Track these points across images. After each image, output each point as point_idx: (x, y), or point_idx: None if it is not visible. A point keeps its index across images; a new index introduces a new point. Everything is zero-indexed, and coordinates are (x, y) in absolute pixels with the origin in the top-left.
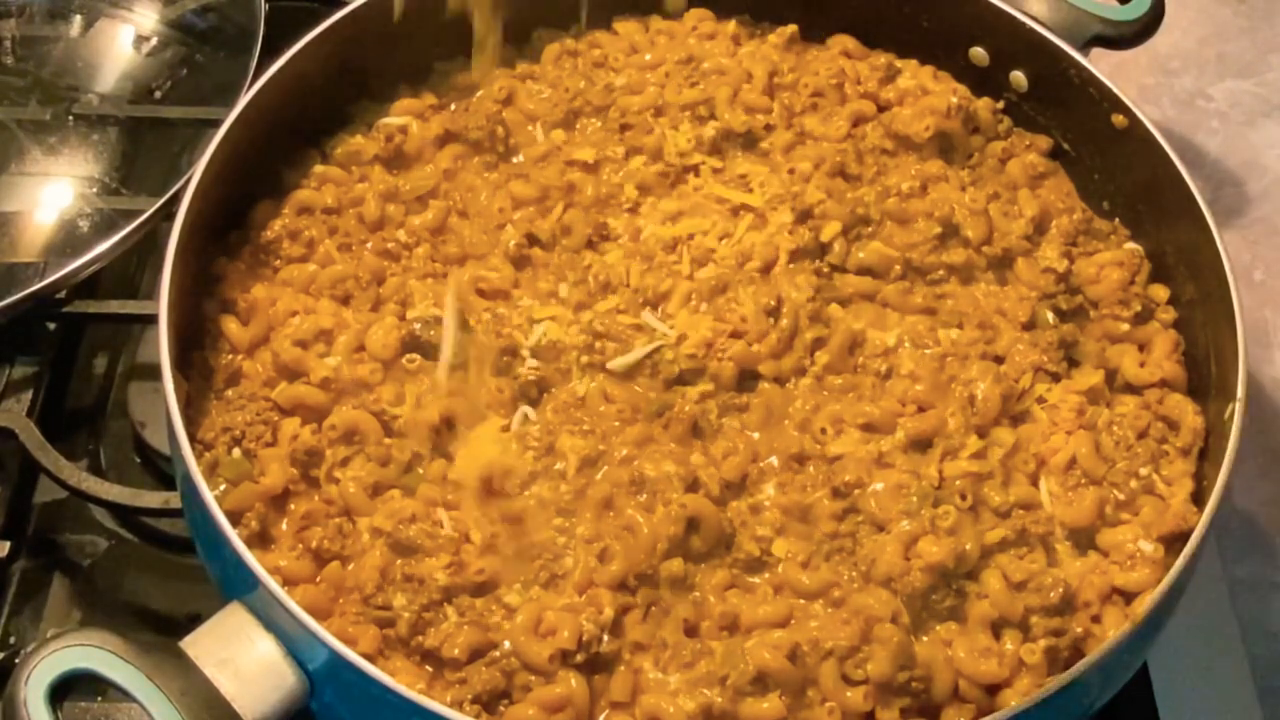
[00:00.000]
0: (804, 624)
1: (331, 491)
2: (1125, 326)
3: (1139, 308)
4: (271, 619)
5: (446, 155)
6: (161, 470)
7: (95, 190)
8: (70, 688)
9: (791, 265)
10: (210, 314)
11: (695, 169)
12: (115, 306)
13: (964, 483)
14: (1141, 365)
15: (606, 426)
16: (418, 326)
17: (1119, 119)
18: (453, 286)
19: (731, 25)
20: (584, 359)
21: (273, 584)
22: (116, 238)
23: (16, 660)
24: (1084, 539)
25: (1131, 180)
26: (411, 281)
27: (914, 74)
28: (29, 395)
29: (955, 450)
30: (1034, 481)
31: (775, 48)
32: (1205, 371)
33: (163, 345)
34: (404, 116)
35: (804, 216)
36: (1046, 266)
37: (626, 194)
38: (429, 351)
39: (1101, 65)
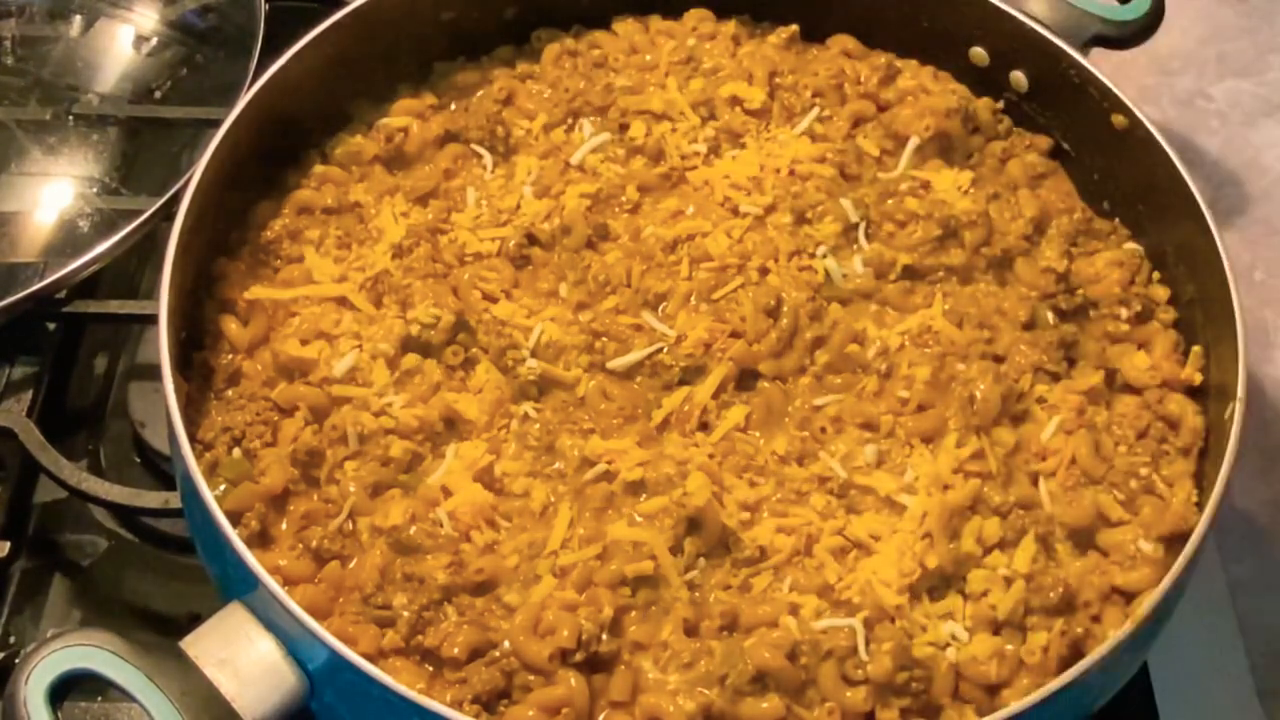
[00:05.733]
0: (804, 623)
1: (331, 491)
2: (1125, 326)
3: (1139, 308)
4: (271, 619)
5: (446, 155)
6: (161, 470)
7: (95, 190)
8: (70, 688)
9: (791, 265)
10: (210, 314)
11: (695, 169)
12: (115, 306)
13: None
14: (1151, 367)
15: (606, 425)
16: (417, 327)
17: (1119, 119)
18: None
19: (731, 25)
20: (584, 358)
21: (273, 584)
22: (116, 238)
23: (16, 660)
24: (1084, 539)
25: (1131, 180)
26: (412, 281)
27: (914, 74)
28: (29, 395)
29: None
30: (1034, 481)
31: (775, 48)
32: (1205, 371)
33: (163, 345)
34: (404, 116)
35: (803, 216)
36: (1046, 266)
37: (627, 194)
38: (429, 351)
39: (1101, 65)
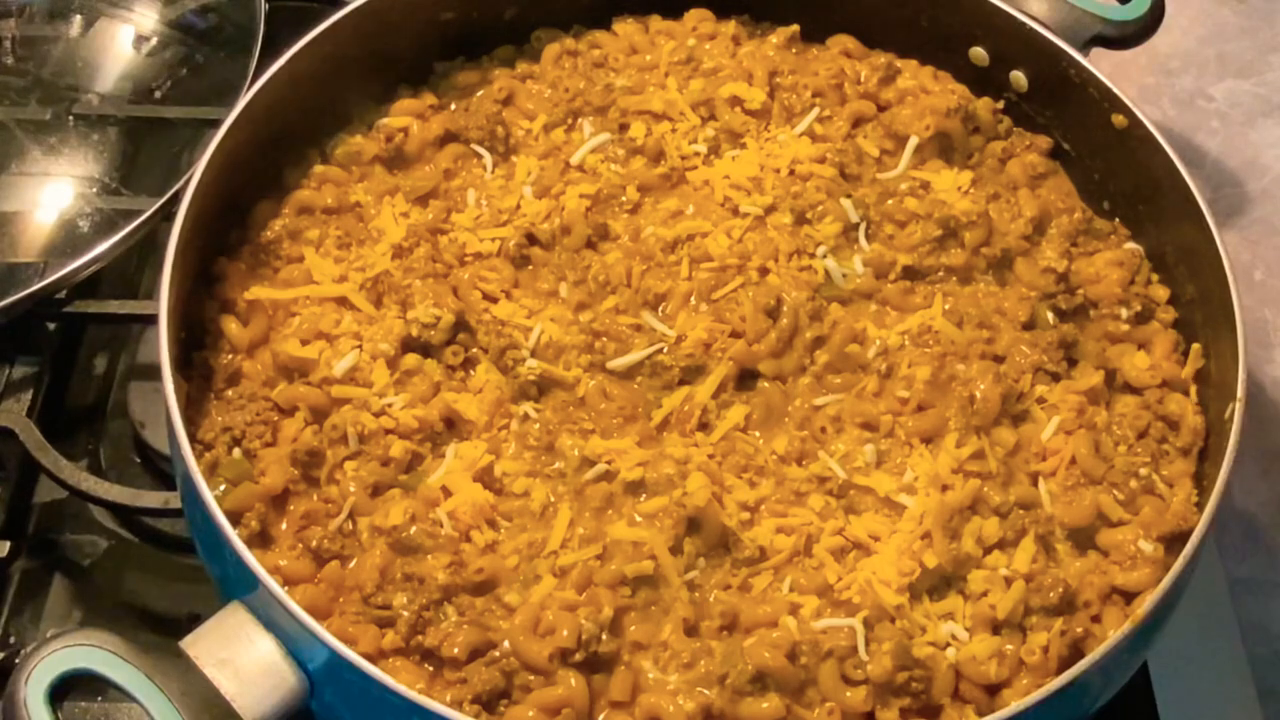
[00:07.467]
0: (804, 623)
1: (332, 491)
2: (1125, 326)
3: (1139, 308)
4: (271, 619)
5: (446, 155)
6: (161, 470)
7: (95, 190)
8: (70, 688)
9: (791, 265)
10: (210, 314)
11: (695, 169)
12: (115, 306)
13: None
14: (1151, 367)
15: (606, 425)
16: (417, 327)
17: (1119, 119)
18: None
19: (731, 25)
20: (584, 358)
21: (273, 584)
22: (116, 238)
23: (16, 660)
24: (1084, 539)
25: (1131, 180)
26: (412, 281)
27: (914, 74)
28: (29, 395)
29: (955, 450)
30: (1034, 481)
31: (775, 48)
32: (1205, 371)
33: (163, 345)
34: (404, 116)
35: (803, 216)
36: (1046, 266)
37: (627, 194)
38: (429, 351)
39: (1101, 65)
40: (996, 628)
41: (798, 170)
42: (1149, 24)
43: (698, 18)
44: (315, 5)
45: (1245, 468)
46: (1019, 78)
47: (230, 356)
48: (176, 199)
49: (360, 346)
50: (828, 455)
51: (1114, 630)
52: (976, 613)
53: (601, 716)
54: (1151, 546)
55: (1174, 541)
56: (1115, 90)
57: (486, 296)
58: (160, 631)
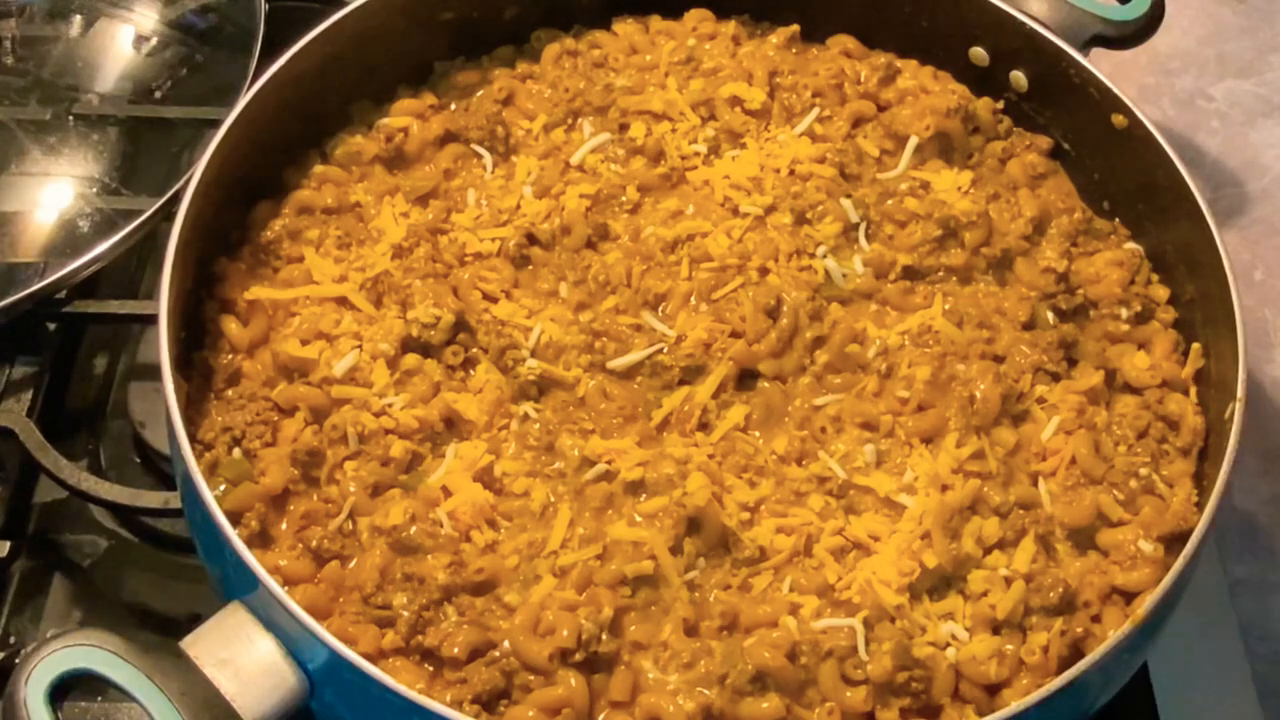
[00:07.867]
0: (804, 623)
1: (332, 491)
2: (1125, 326)
3: (1139, 308)
4: (271, 619)
5: (446, 155)
6: (161, 470)
7: (95, 190)
8: (70, 688)
9: (791, 265)
10: (210, 314)
11: (695, 169)
12: (115, 306)
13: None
14: (1151, 367)
15: (606, 425)
16: (417, 327)
17: (1119, 119)
18: None
19: (731, 25)
20: (584, 358)
21: (273, 584)
22: (116, 238)
23: (16, 660)
24: (1084, 539)
25: (1131, 180)
26: (412, 281)
27: (914, 74)
28: (29, 395)
29: (955, 450)
30: (1034, 481)
31: (775, 48)
32: (1205, 371)
33: (163, 345)
34: (404, 116)
35: (803, 217)
36: (1046, 266)
37: (627, 194)
38: (429, 351)
39: (1101, 65)
40: (996, 628)
41: (798, 170)
42: (1149, 24)
43: (698, 18)
44: (315, 5)
45: (1245, 468)
46: (1019, 78)
47: (230, 356)
48: (176, 199)
49: (360, 346)
50: (828, 455)
51: (1114, 630)
52: (976, 613)
53: (601, 716)
54: (1151, 546)
55: (1174, 541)
56: (1115, 90)
57: (486, 296)
58: (160, 631)
